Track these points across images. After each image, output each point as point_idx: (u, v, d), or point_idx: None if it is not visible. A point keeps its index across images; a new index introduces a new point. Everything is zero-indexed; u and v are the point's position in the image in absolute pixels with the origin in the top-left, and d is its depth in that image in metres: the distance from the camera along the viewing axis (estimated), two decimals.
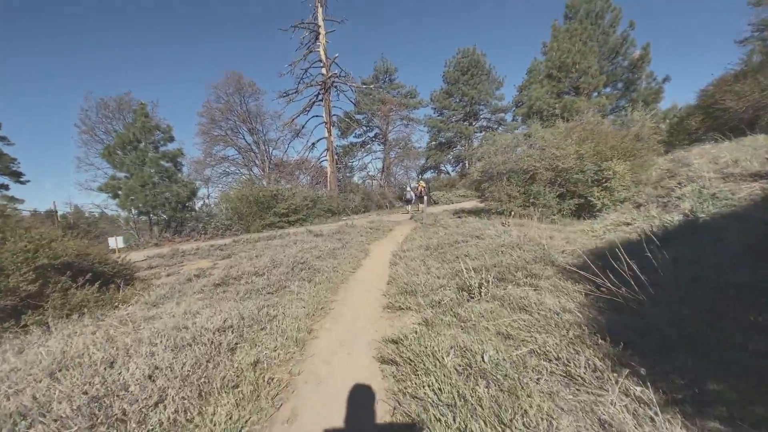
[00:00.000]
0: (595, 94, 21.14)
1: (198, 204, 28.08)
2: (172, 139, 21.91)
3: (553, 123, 14.37)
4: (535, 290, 4.54)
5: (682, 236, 5.97)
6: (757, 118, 14.50)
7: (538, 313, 3.79)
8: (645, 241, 4.09)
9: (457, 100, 42.56)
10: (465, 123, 42.97)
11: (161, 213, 21.27)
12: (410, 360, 3.23)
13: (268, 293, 5.95)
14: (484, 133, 44.05)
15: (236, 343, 3.83)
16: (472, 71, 41.35)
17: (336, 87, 32.21)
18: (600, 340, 3.06)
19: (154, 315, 5.13)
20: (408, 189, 21.90)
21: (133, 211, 22.91)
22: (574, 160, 11.48)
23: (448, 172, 45.95)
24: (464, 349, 3.22)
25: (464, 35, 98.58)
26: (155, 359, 3.33)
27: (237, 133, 35.21)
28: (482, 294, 4.62)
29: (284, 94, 31.16)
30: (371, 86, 34.15)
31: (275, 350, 3.71)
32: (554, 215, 11.82)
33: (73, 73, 75.19)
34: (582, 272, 4.42)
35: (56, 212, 21.57)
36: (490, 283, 4.81)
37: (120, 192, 20.75)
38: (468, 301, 4.57)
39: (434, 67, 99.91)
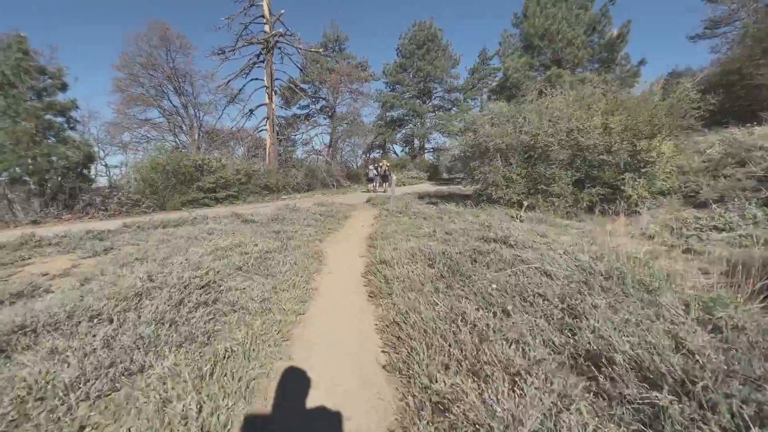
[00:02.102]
0: (580, 69, 18.82)
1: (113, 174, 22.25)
2: (64, 87, 16.06)
3: (533, 98, 11.43)
4: None
5: None
6: None
7: None
8: None
9: (411, 76, 39.20)
10: (418, 101, 39.79)
11: (45, 181, 15.74)
12: None
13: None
14: (437, 112, 41.39)
15: None
16: (428, 45, 38.08)
17: (280, 48, 27.26)
18: None
19: None
20: (371, 167, 20.54)
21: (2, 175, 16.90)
22: (600, 136, 8.61)
23: (395, 152, 42.80)
24: None
25: (419, 9, 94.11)
26: None
27: (162, 93, 28.99)
28: None
29: (219, 52, 25.65)
30: (320, 51, 29.53)
31: None
32: (568, 207, 8.94)
33: None
34: None
35: None
36: None
37: None
38: None
39: (387, 41, 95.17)
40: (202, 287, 4.02)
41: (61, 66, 16.50)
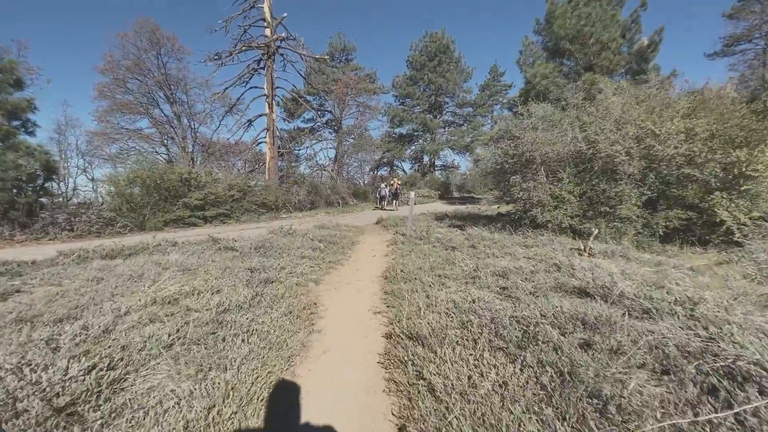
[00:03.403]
0: (613, 78, 16.97)
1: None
2: (18, 84, 14.35)
3: (577, 102, 9.53)
4: None
5: None
6: None
7: None
8: None
9: (422, 89, 37.59)
10: (429, 116, 38.08)
11: None
12: None
13: None
14: (447, 128, 39.70)
15: None
16: (439, 57, 36.58)
17: (282, 55, 25.82)
18: None
19: None
20: (383, 185, 20.20)
21: None
22: (681, 143, 6.63)
23: (403, 170, 40.92)
24: None
25: (430, 21, 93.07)
26: None
27: (152, 101, 27.49)
28: None
29: (215, 57, 24.17)
30: (325, 57, 28.06)
31: None
32: (637, 234, 6.91)
33: None
34: None
35: None
36: None
37: None
38: None
39: (397, 52, 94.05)
40: (64, 407, 2.04)
41: (13, 60, 14.55)
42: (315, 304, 4.17)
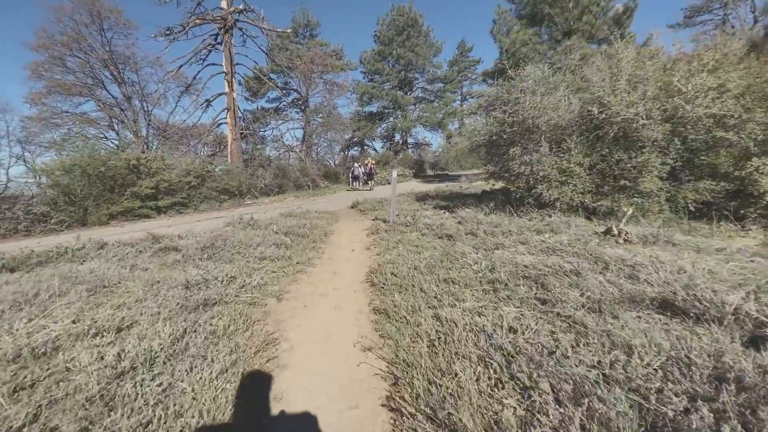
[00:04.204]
0: (593, 45, 15.88)
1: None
2: None
3: (574, 66, 8.43)
4: None
5: None
6: None
7: None
8: None
9: (391, 64, 35.80)
10: (400, 93, 36.40)
11: None
12: None
13: None
14: (419, 105, 38.18)
15: None
16: (408, 31, 34.78)
17: (241, 30, 23.48)
18: None
19: None
20: (356, 165, 19.51)
21: None
22: (712, 101, 5.57)
23: (375, 149, 39.27)
24: None
25: None
26: None
27: (97, 82, 24.54)
28: None
29: (166, 32, 21.55)
30: (288, 31, 25.79)
31: None
32: (661, 211, 5.90)
33: None
34: None
35: None
36: None
37: None
38: None
39: (363, 28, 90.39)
40: None
41: None
42: (275, 339, 2.85)
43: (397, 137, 39.23)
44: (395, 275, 4.05)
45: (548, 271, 3.40)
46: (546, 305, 2.79)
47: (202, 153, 25.34)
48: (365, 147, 39.25)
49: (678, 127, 5.84)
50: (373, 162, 22.04)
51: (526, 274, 3.44)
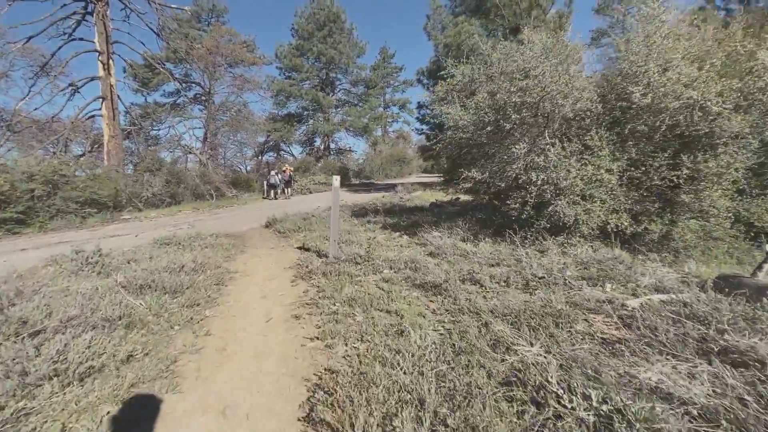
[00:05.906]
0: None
1: None
2: None
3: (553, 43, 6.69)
4: None
5: None
6: None
7: None
8: None
9: (311, 61, 32.74)
10: (321, 93, 33.42)
11: None
12: None
13: None
14: (342, 108, 35.60)
15: None
16: (330, 26, 32.24)
17: (123, 2, 18.97)
18: None
19: None
20: (273, 173, 18.29)
21: None
22: None
23: (292, 154, 35.69)
24: None
25: None
26: None
27: None
28: None
29: None
30: (186, 9, 21.66)
31: None
32: (713, 238, 4.08)
33: None
34: None
35: None
36: None
37: None
38: None
39: (279, 20, 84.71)
40: None
41: None
42: None
43: (318, 142, 36.22)
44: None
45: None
46: None
47: (71, 153, 20.03)
48: (282, 152, 35.71)
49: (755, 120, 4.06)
50: (292, 168, 20.02)
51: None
